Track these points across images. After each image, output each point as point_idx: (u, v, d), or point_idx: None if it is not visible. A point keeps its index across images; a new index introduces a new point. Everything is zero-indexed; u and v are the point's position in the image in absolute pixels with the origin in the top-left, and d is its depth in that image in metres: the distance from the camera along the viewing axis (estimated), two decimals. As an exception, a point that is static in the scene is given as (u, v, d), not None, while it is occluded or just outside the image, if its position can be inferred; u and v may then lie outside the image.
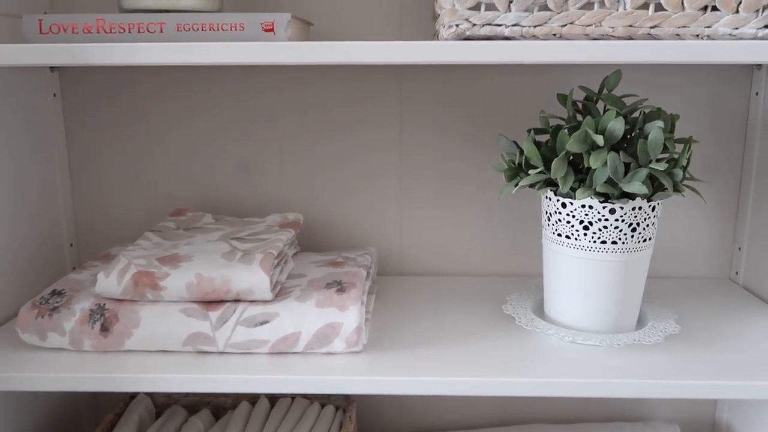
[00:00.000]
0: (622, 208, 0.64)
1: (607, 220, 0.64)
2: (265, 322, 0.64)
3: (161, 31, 0.60)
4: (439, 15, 0.61)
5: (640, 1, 0.56)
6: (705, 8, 0.56)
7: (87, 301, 0.66)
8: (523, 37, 0.58)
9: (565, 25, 0.57)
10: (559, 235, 0.67)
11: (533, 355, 0.65)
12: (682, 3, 0.56)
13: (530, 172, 0.67)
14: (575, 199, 0.64)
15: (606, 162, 0.61)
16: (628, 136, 0.67)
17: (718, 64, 0.83)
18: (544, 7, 0.57)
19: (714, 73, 0.84)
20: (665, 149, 0.64)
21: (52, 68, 0.85)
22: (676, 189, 0.64)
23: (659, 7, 0.57)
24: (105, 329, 0.64)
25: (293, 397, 0.85)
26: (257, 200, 0.89)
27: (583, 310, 0.68)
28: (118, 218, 0.90)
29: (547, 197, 0.68)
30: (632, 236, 0.65)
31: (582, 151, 0.63)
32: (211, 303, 0.66)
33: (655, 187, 0.65)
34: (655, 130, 0.62)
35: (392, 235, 0.90)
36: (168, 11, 0.63)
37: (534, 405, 0.94)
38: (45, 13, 0.82)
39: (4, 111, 0.75)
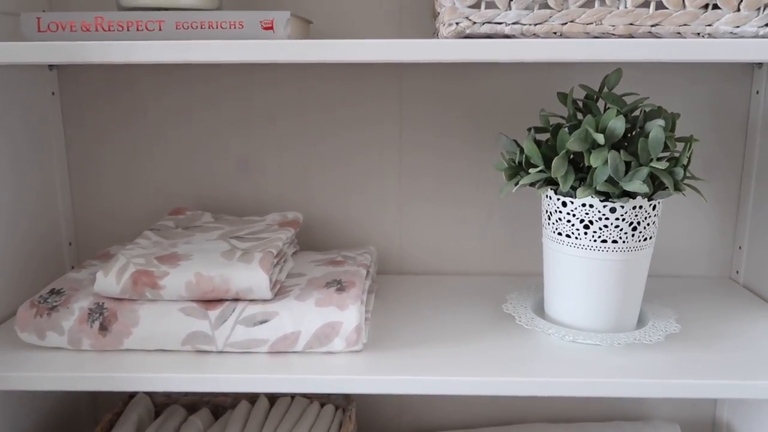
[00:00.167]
0: (622, 207, 0.64)
1: (607, 219, 0.64)
2: (265, 322, 0.64)
3: (160, 29, 0.60)
4: (439, 13, 0.61)
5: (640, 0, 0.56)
6: (706, 6, 0.56)
7: (86, 300, 0.65)
8: (523, 35, 0.57)
9: (566, 23, 0.57)
10: (560, 234, 0.67)
11: (533, 355, 0.65)
12: (683, 1, 0.56)
13: (530, 170, 0.66)
14: (576, 197, 0.64)
15: (606, 161, 0.61)
16: (629, 135, 0.67)
17: (719, 63, 0.83)
18: (545, 5, 0.57)
19: (714, 71, 0.84)
20: (666, 148, 0.63)
21: (51, 66, 0.84)
22: (677, 188, 0.64)
23: (660, 6, 0.56)
24: (104, 328, 0.64)
25: (293, 396, 0.84)
26: (257, 199, 0.89)
27: (583, 309, 0.68)
28: (117, 217, 0.90)
29: (547, 196, 0.68)
30: (633, 235, 0.65)
31: (582, 149, 0.63)
32: (210, 302, 0.65)
33: (655, 186, 0.65)
34: (656, 128, 0.61)
35: (392, 234, 0.90)
36: (167, 9, 0.63)
37: (534, 404, 0.94)
38: (43, 11, 0.82)
39: (2, 110, 0.75)
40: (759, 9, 0.56)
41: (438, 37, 0.60)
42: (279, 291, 0.68)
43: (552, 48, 0.55)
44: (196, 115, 0.87)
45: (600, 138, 0.62)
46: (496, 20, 0.57)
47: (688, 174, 0.66)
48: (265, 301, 0.66)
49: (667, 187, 0.64)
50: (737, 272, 0.88)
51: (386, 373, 0.62)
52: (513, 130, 0.85)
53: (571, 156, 0.65)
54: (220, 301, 0.65)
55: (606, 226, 0.64)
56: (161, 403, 0.87)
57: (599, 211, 0.64)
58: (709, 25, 0.56)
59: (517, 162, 0.69)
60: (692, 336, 0.70)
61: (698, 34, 0.57)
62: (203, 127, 0.87)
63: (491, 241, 0.90)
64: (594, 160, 0.61)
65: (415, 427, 0.95)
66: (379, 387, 0.61)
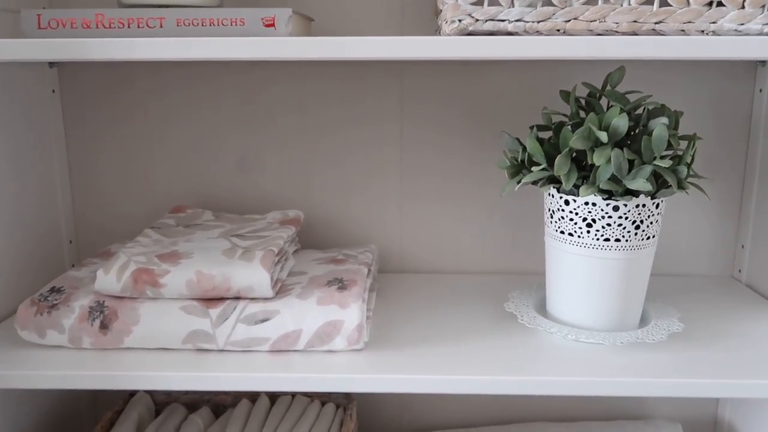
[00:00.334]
0: (625, 205, 0.63)
1: (610, 217, 0.64)
2: (266, 320, 0.64)
3: (161, 27, 0.59)
4: (441, 11, 0.60)
5: (644, -3, 0.56)
6: (710, 4, 0.56)
7: (86, 299, 0.65)
8: (526, 32, 0.57)
9: (569, 20, 0.57)
10: (562, 232, 0.67)
11: (536, 354, 0.65)
12: (687, -2, 0.56)
13: (533, 169, 0.66)
14: (578, 196, 0.64)
15: (610, 159, 0.61)
16: (632, 133, 0.66)
17: (722, 61, 0.83)
18: (548, 3, 0.56)
19: (717, 69, 0.83)
20: (669, 146, 0.63)
21: (51, 64, 0.84)
22: (681, 186, 0.64)
23: (664, 3, 0.56)
24: (104, 327, 0.64)
25: (293, 395, 0.84)
26: (257, 197, 0.89)
27: (586, 308, 0.67)
28: (118, 215, 0.89)
29: (549, 194, 0.68)
30: (636, 234, 0.65)
31: (585, 147, 0.62)
32: (211, 300, 0.65)
33: (658, 184, 0.64)
34: (659, 126, 0.61)
35: (393, 233, 0.90)
36: (167, 6, 0.62)
37: (535, 403, 0.93)
38: (43, 8, 0.81)
39: (2, 107, 0.74)
40: (763, 6, 0.55)
41: (440, 35, 0.60)
42: (280, 289, 0.68)
43: (555, 45, 0.54)
44: (197, 113, 0.86)
45: (603, 136, 0.61)
46: (499, 17, 0.57)
47: (691, 172, 0.65)
48: (266, 299, 0.65)
49: (670, 186, 0.63)
50: (740, 271, 0.87)
51: (388, 372, 0.61)
52: (515, 128, 0.85)
53: (574, 154, 0.65)
54: (221, 299, 0.65)
55: (609, 225, 0.64)
56: (162, 401, 0.86)
57: (602, 210, 0.64)
58: (713, 23, 0.56)
59: (519, 160, 0.68)
60: (694, 335, 0.69)
61: (702, 31, 0.56)
62: (204, 125, 0.87)
63: (492, 240, 0.89)
64: (597, 158, 0.61)
65: (416, 426, 0.95)
66: (380, 386, 0.61)
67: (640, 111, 0.68)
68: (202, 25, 0.59)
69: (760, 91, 0.82)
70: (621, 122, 0.62)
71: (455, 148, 0.86)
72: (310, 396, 0.85)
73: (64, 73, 0.85)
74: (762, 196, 0.83)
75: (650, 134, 0.62)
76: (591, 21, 0.56)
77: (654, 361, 0.63)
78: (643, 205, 0.64)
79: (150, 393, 0.86)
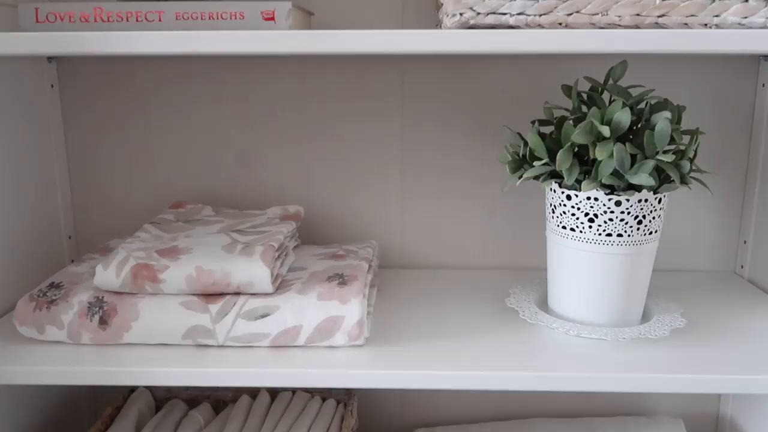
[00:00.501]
0: (628, 200, 0.63)
1: (612, 212, 0.63)
2: (266, 316, 0.63)
3: (160, 20, 0.59)
4: (442, 4, 0.60)
5: (647, -10, 0.55)
6: (714, -4, 0.55)
7: (85, 294, 0.65)
8: (528, 26, 0.57)
9: (571, 14, 0.56)
10: (564, 227, 0.66)
11: (537, 349, 0.65)
12: (691, -9, 0.55)
13: (535, 163, 0.66)
14: (580, 191, 0.63)
15: (612, 153, 0.61)
16: (634, 128, 0.66)
17: (725, 56, 0.82)
18: (550, -4, 0.56)
19: (720, 64, 0.83)
20: (672, 141, 0.63)
21: (50, 59, 0.84)
22: (683, 181, 0.63)
23: (667, -4, 0.56)
24: (104, 322, 0.64)
25: (294, 390, 0.84)
26: (258, 193, 0.88)
27: (587, 303, 0.67)
28: (118, 211, 0.89)
29: (551, 189, 0.67)
30: (638, 229, 0.64)
31: (588, 142, 0.62)
32: (211, 296, 0.65)
33: (661, 179, 0.64)
34: (662, 121, 0.61)
35: (394, 228, 0.89)
36: (166, -1, 0.62)
37: (537, 399, 0.93)
38: (41, 1, 0.81)
39: (0, 102, 0.74)
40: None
41: (441, 29, 0.60)
42: (280, 285, 0.68)
43: (557, 39, 0.54)
44: (197, 108, 0.86)
45: (605, 130, 0.61)
46: (500, 11, 0.56)
47: (693, 167, 0.65)
48: (266, 295, 0.65)
49: (672, 180, 0.63)
50: (742, 267, 0.87)
51: (388, 368, 0.61)
52: (516, 123, 0.84)
53: (576, 149, 0.64)
54: (221, 294, 0.65)
55: (611, 220, 0.64)
56: (162, 397, 0.86)
57: (604, 205, 0.63)
58: (716, 16, 0.56)
59: (521, 155, 0.68)
60: (697, 331, 0.69)
61: (705, 25, 0.56)
62: (204, 120, 0.86)
63: (493, 235, 0.89)
64: (599, 153, 0.61)
65: (416, 422, 0.95)
66: (381, 382, 0.61)
67: (642, 105, 0.68)
68: (201, 18, 0.59)
69: (763, 85, 0.82)
70: (623, 117, 0.62)
71: (456, 144, 0.86)
72: (311, 392, 0.85)
73: (63, 67, 0.85)
74: (765, 191, 0.82)
75: (653, 129, 0.61)
76: (593, 14, 0.56)
77: (656, 356, 0.63)
78: (646, 200, 0.63)
79: (150, 389, 0.85)
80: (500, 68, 0.84)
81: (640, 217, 0.64)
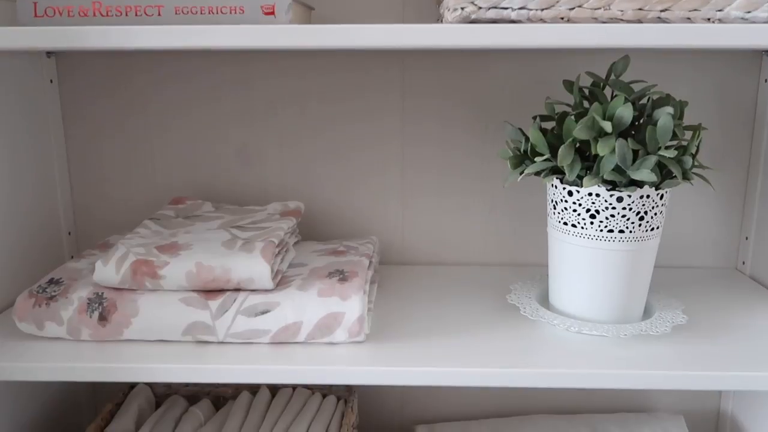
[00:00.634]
0: (629, 196, 0.63)
1: (614, 208, 0.63)
2: (266, 312, 0.63)
3: (159, 15, 0.59)
4: (443, -2, 0.60)
5: (650, -16, 0.55)
6: (717, -9, 0.55)
7: (85, 290, 0.65)
8: (529, 20, 0.56)
9: (573, 8, 0.56)
10: (565, 223, 0.66)
11: (538, 346, 0.65)
12: (694, -15, 0.55)
13: (536, 159, 0.65)
14: (582, 187, 0.63)
15: (614, 149, 0.60)
16: (636, 123, 0.65)
17: (727, 50, 0.82)
18: (552, -10, 0.56)
19: (722, 59, 0.82)
20: (674, 136, 0.62)
21: (49, 53, 0.83)
22: (686, 177, 0.63)
23: (670, -10, 0.55)
24: (103, 318, 0.63)
25: (294, 387, 0.84)
26: (258, 188, 0.88)
27: (589, 300, 0.67)
28: (118, 206, 0.89)
29: (553, 185, 0.67)
30: (640, 225, 0.64)
31: (589, 138, 0.62)
32: (211, 292, 0.65)
33: (663, 174, 0.64)
34: (664, 116, 0.60)
35: (394, 224, 0.89)
36: (166, -6, 0.62)
37: (537, 396, 0.93)
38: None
39: (-1, 97, 0.74)
40: (771, -7, 0.54)
41: (443, 23, 0.59)
42: (280, 281, 0.67)
43: (559, 33, 0.54)
44: (197, 104, 0.86)
45: (607, 126, 0.61)
46: (502, 5, 0.56)
47: (696, 163, 0.65)
48: (266, 291, 0.65)
49: (675, 176, 0.63)
50: (743, 263, 0.87)
51: (389, 365, 0.61)
52: (518, 119, 0.84)
53: (578, 144, 0.64)
54: (221, 291, 0.65)
55: (613, 216, 0.63)
56: (162, 393, 0.86)
57: (606, 201, 0.63)
58: (719, 11, 0.55)
59: (522, 151, 0.68)
60: (698, 327, 0.69)
61: (708, 19, 0.56)
62: (204, 116, 0.86)
63: (494, 232, 0.89)
64: (601, 149, 0.60)
65: (417, 418, 0.95)
66: (381, 378, 0.61)
67: (644, 101, 0.67)
68: (201, 13, 0.58)
69: (765, 81, 0.81)
70: (625, 112, 0.61)
71: (457, 140, 0.86)
72: (311, 388, 0.84)
73: (63, 62, 0.85)
74: (766, 187, 0.82)
75: (655, 124, 0.61)
76: (595, 9, 0.56)
77: (657, 353, 0.63)
78: (648, 196, 0.63)
79: (150, 385, 0.85)
80: (501, 63, 0.83)
81: (642, 213, 0.64)
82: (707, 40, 0.54)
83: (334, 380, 0.61)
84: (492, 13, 0.56)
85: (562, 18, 0.56)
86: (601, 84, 0.68)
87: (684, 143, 0.64)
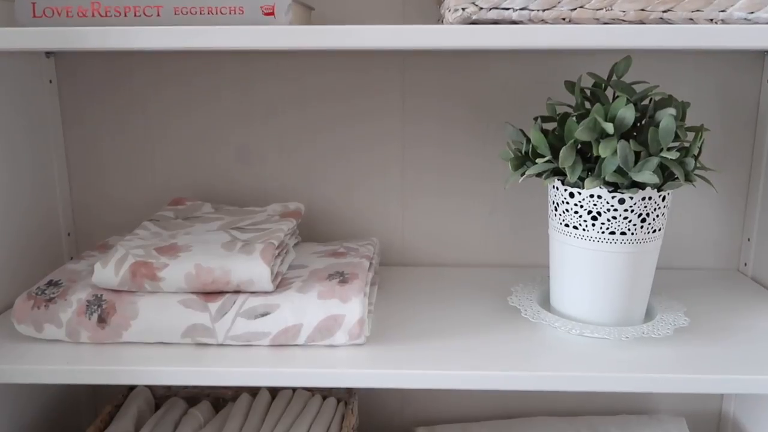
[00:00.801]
0: (631, 198, 0.62)
1: (616, 210, 0.63)
2: (266, 314, 0.63)
3: (158, 15, 0.58)
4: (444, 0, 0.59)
5: (652, -16, 0.54)
6: (720, -9, 0.55)
7: (84, 292, 0.64)
8: (531, 21, 0.56)
9: (575, 8, 0.55)
10: (567, 225, 0.66)
11: (539, 348, 0.64)
12: (697, -14, 0.54)
13: (537, 160, 0.65)
14: (583, 188, 0.63)
15: (616, 150, 0.60)
16: (638, 124, 0.65)
17: (729, 51, 0.82)
18: (554, -10, 0.55)
19: (724, 60, 0.82)
20: (676, 137, 0.62)
21: (48, 54, 0.83)
22: (688, 179, 0.63)
23: (672, -9, 0.55)
24: (102, 321, 0.63)
25: (294, 389, 0.84)
26: (257, 189, 0.88)
27: (590, 302, 0.66)
28: (117, 207, 0.89)
29: (554, 187, 0.67)
30: (642, 227, 0.64)
31: (591, 139, 0.61)
32: (210, 294, 0.64)
33: (665, 176, 0.63)
34: (666, 117, 0.60)
35: (395, 225, 0.89)
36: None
37: (538, 398, 0.93)
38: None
39: (-2, 97, 0.73)
40: (774, -6, 0.54)
41: (443, 24, 0.59)
42: (280, 283, 0.67)
43: (561, 34, 0.53)
44: (197, 104, 0.85)
45: (609, 127, 0.60)
46: (503, 6, 0.55)
47: (698, 164, 0.64)
48: (266, 293, 0.65)
49: (677, 178, 0.62)
50: (745, 264, 0.86)
51: (389, 367, 0.61)
52: (519, 120, 0.84)
53: (579, 146, 0.63)
54: (221, 293, 0.64)
55: (614, 218, 0.63)
56: (161, 395, 0.86)
57: (607, 203, 0.63)
58: (722, 11, 0.55)
59: (523, 152, 0.67)
60: (700, 330, 0.68)
61: (711, 20, 0.55)
62: (204, 117, 0.86)
63: (495, 233, 0.88)
64: (603, 150, 0.60)
65: (417, 420, 0.94)
66: (382, 381, 0.60)
67: (646, 102, 0.67)
68: (200, 13, 0.58)
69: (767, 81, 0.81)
70: (627, 113, 0.61)
71: (457, 141, 0.85)
72: (311, 390, 0.84)
73: (62, 63, 0.84)
74: (769, 189, 0.82)
75: (657, 125, 0.61)
76: (597, 9, 0.55)
77: (659, 356, 0.62)
78: (650, 198, 0.63)
79: (150, 387, 0.85)
80: (502, 64, 0.83)
81: (644, 215, 0.63)
82: (710, 41, 0.53)
83: (335, 383, 0.60)
84: (493, 14, 0.56)
85: (564, 19, 0.56)
86: (603, 85, 0.68)
87: (686, 145, 0.64)
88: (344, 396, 0.85)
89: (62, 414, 0.86)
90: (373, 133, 0.86)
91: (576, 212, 0.65)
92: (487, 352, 0.63)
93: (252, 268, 0.63)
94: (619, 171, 0.61)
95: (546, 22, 0.56)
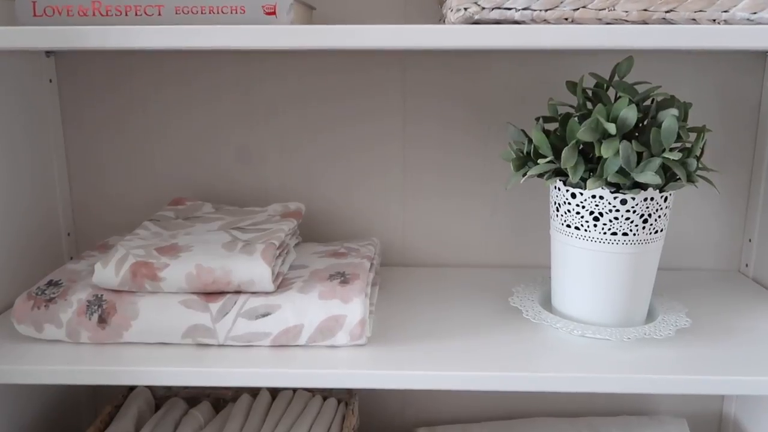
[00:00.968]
0: (633, 198, 0.62)
1: (618, 210, 0.63)
2: (267, 315, 0.63)
3: (159, 14, 0.58)
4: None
5: (655, -15, 0.54)
6: (723, -8, 0.54)
7: (84, 292, 0.64)
8: (533, 21, 0.56)
9: (578, 9, 0.55)
10: (568, 226, 0.66)
11: (541, 349, 0.64)
12: (699, -14, 0.54)
13: (539, 161, 0.65)
14: (585, 189, 0.63)
15: (618, 151, 0.60)
16: (640, 125, 0.65)
17: (731, 52, 0.81)
18: (556, -10, 0.55)
19: (726, 61, 0.82)
20: (678, 138, 0.62)
21: (48, 53, 0.83)
22: (690, 179, 0.62)
23: (675, -9, 0.55)
24: (103, 321, 0.63)
25: (295, 389, 0.83)
26: (258, 189, 0.88)
27: (592, 303, 0.66)
28: (117, 207, 0.88)
29: (556, 187, 0.66)
30: (643, 228, 0.63)
31: (593, 139, 0.61)
32: (211, 294, 0.64)
33: (667, 177, 0.63)
34: (669, 118, 0.60)
35: (395, 226, 0.89)
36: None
37: (539, 398, 0.93)
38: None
39: (-2, 97, 0.73)
40: (777, -5, 0.54)
41: (445, 24, 0.59)
42: (281, 283, 0.67)
43: (563, 34, 0.53)
44: (197, 104, 0.85)
45: (611, 128, 0.60)
46: (505, 6, 0.55)
47: (700, 165, 0.64)
48: (267, 293, 0.64)
49: (679, 179, 0.62)
50: (747, 265, 0.86)
51: (390, 368, 0.60)
52: (520, 120, 0.83)
53: (581, 146, 0.63)
54: (222, 293, 0.64)
55: (616, 218, 0.63)
56: (162, 395, 0.85)
57: (609, 203, 0.63)
58: (725, 12, 0.55)
59: (524, 152, 0.67)
60: (701, 331, 0.68)
61: (714, 20, 0.55)
62: (204, 117, 0.85)
63: (496, 233, 0.88)
64: (605, 151, 0.60)
65: (418, 421, 0.94)
66: (383, 382, 0.60)
67: (648, 102, 0.67)
68: (201, 13, 0.58)
69: (770, 82, 0.81)
70: (630, 114, 0.61)
71: (459, 142, 0.85)
72: (312, 391, 0.84)
73: (62, 62, 0.84)
74: (770, 190, 0.82)
75: (659, 126, 0.61)
76: (600, 9, 0.55)
77: (660, 357, 0.62)
78: (652, 199, 0.63)
79: (150, 387, 0.85)
80: (504, 64, 0.83)
81: (646, 216, 0.63)
82: (713, 42, 0.53)
83: (336, 384, 0.60)
84: (495, 14, 0.56)
85: (566, 19, 0.56)
86: (605, 85, 0.68)
87: (688, 145, 0.64)
88: (345, 396, 0.84)
89: (62, 414, 0.86)
90: (374, 134, 0.85)
91: (578, 213, 0.64)
92: (488, 352, 0.63)
93: (253, 269, 0.63)
94: (621, 172, 0.61)
95: (548, 22, 0.56)
